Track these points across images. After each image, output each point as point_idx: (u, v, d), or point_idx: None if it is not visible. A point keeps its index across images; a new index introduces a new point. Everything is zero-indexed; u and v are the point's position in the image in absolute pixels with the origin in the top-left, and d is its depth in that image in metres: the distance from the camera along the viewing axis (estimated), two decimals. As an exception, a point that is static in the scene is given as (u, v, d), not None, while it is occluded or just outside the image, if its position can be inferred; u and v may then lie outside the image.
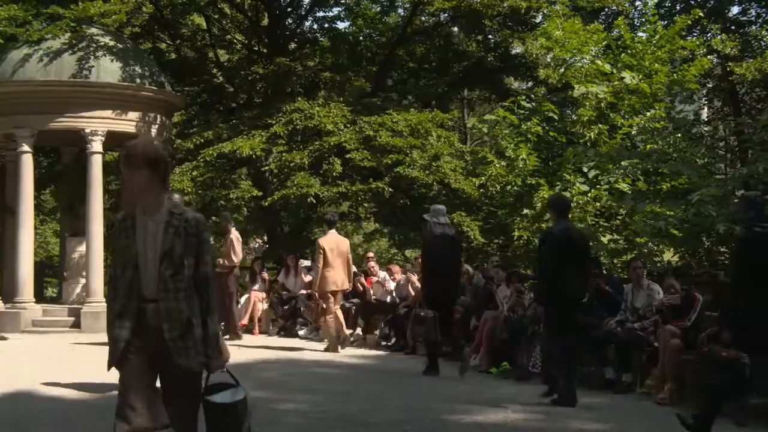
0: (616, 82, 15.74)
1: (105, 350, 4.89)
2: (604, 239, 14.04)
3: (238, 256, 15.04)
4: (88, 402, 8.97)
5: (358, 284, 15.47)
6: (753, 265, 6.99)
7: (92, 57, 16.97)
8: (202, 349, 4.73)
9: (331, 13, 23.11)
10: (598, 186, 14.49)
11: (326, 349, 13.56)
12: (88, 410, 8.51)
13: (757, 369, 6.98)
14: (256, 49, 22.74)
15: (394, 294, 14.87)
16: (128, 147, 4.82)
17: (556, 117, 16.47)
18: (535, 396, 9.28)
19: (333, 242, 13.20)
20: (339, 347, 13.42)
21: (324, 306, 13.25)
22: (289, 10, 22.37)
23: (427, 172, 16.96)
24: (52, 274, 26.18)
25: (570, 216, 9.09)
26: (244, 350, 13.67)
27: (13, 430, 7.71)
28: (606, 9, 21.49)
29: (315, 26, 23.44)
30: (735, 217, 8.67)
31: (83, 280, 17.48)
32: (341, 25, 23.38)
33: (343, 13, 22.99)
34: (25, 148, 16.84)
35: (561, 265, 8.83)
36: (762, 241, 6.99)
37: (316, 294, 13.48)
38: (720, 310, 9.16)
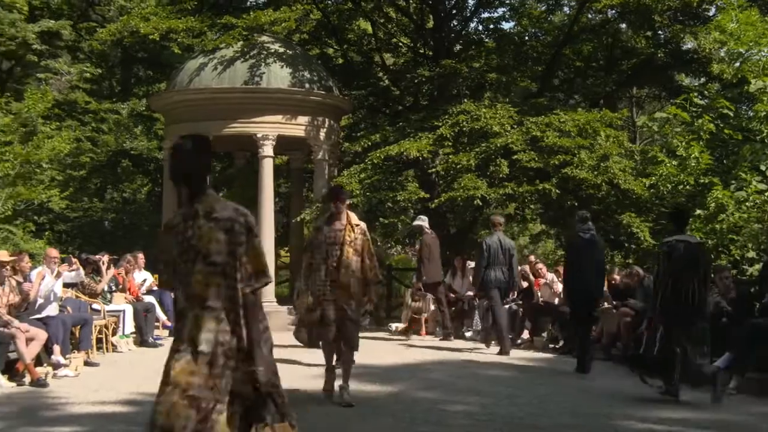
0: (797, 75, 15.03)
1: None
2: (784, 240, 13.46)
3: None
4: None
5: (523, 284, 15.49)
6: (575, 256, 11.64)
7: (263, 64, 17.47)
8: None
9: (496, 14, 23.01)
10: (776, 185, 13.89)
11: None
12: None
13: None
14: (421, 51, 22.85)
15: (562, 296, 14.65)
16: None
17: (731, 113, 15.87)
18: (709, 401, 8.99)
19: None
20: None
21: None
22: (454, 12, 22.38)
23: (595, 172, 16.62)
24: (226, 275, 27.04)
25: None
26: (412, 351, 13.80)
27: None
28: (786, -2, 20.53)
29: (480, 27, 23.33)
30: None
31: (255, 281, 17.95)
32: (506, 26, 23.24)
33: (508, 13, 22.82)
34: (201, 153, 17.48)
35: (487, 263, 13.42)
36: (582, 242, 11.60)
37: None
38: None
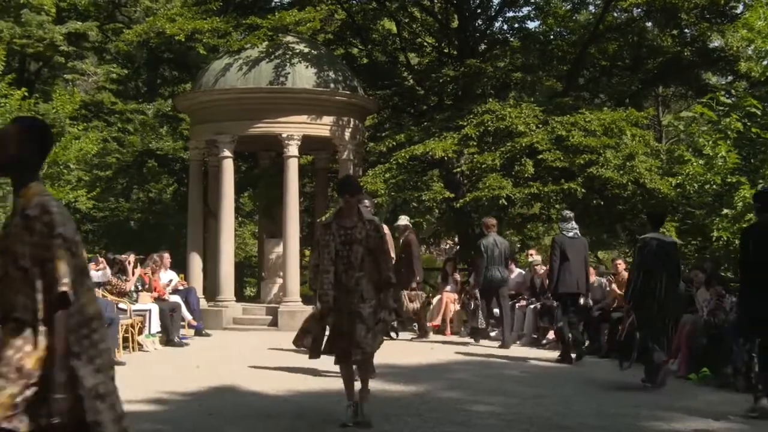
0: (825, 74, 14.90)
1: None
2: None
3: None
4: (287, 398, 9.26)
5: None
6: (561, 254, 12.33)
7: (288, 64, 17.51)
8: None
9: (520, 13, 22.93)
10: (805, 184, 13.75)
11: None
12: (287, 406, 8.79)
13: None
14: (446, 51, 22.83)
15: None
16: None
17: (758, 112, 15.74)
18: (739, 404, 8.91)
19: None
20: None
21: None
22: (478, 11, 22.34)
23: (621, 172, 16.55)
24: (251, 274, 27.13)
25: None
26: (436, 351, 13.80)
27: (218, 422, 8.05)
28: (815, -5, 20.35)
29: (505, 27, 23.28)
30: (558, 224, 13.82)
31: (280, 280, 18.00)
32: (531, 25, 23.19)
33: (533, 12, 22.74)
34: (226, 153, 17.55)
35: (487, 264, 14.37)
36: (566, 240, 12.46)
37: None
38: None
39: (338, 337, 7.82)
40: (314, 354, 8.28)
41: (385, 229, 9.16)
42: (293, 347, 10.99)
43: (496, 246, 14.43)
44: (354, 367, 7.97)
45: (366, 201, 9.12)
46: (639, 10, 20.75)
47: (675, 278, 10.31)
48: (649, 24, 22.14)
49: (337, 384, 8.51)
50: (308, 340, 8.78)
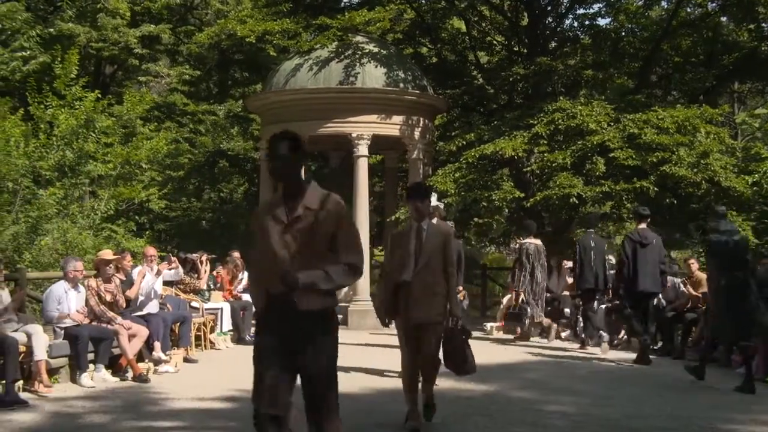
0: None
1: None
2: None
3: None
4: (355, 397, 9.26)
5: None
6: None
7: (358, 64, 17.57)
8: None
9: (591, 10, 22.71)
10: None
11: None
12: (355, 405, 8.79)
13: None
14: (515, 49, 22.70)
15: (660, 297, 14.37)
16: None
17: (838, 108, 15.38)
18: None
19: None
20: None
21: None
22: (548, 9, 22.17)
23: (695, 170, 16.28)
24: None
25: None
26: (507, 350, 13.73)
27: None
28: None
29: (575, 24, 23.12)
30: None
31: (350, 280, 18.03)
32: (602, 22, 22.94)
33: (604, 9, 22.50)
34: (297, 153, 17.65)
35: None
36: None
37: None
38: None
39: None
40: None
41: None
42: (363, 343, 10.96)
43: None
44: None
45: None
46: (714, 4, 20.41)
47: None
48: (724, 18, 21.73)
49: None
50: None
